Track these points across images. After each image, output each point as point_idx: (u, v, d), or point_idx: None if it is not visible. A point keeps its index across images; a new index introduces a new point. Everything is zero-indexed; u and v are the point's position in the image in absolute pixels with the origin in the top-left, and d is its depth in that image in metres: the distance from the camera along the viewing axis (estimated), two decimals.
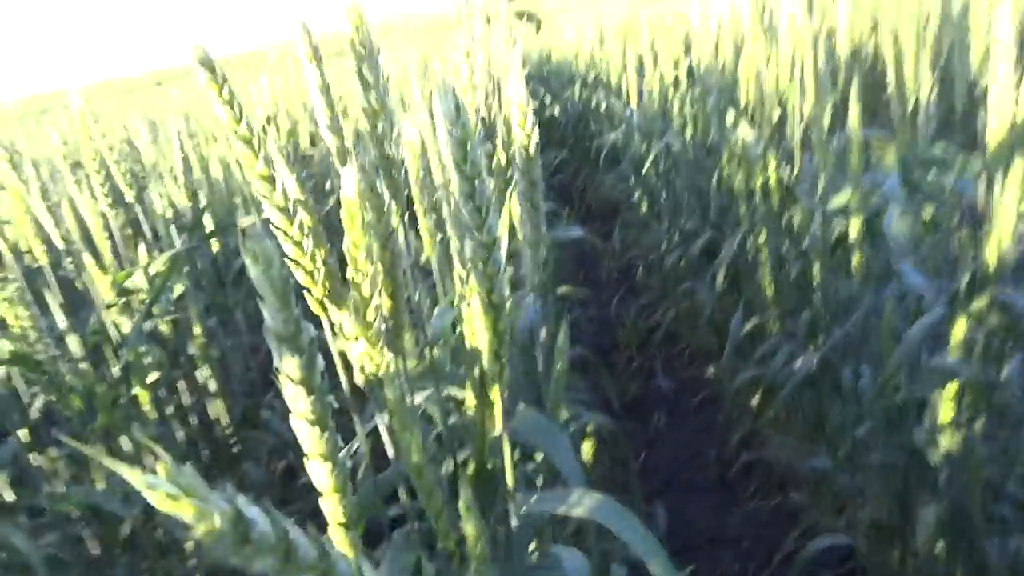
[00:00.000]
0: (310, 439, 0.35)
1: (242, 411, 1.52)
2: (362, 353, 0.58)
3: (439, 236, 0.73)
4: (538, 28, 7.61)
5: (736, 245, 1.68)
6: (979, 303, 0.88)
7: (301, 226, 0.53)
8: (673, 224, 2.35)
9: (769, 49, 1.59)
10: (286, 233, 0.53)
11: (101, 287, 1.27)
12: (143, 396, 1.28)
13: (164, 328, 1.36)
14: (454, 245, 0.73)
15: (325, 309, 0.57)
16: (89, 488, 1.07)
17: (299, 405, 0.35)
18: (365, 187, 0.56)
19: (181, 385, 1.44)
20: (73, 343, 1.27)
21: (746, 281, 1.76)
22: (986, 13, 1.23)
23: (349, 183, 0.50)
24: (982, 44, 1.23)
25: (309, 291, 0.56)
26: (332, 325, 0.58)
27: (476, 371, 0.60)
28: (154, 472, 0.24)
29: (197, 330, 1.37)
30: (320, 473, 0.36)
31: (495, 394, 0.57)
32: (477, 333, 0.53)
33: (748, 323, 1.62)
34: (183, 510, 0.23)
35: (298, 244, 0.54)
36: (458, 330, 0.70)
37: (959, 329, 0.90)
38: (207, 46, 0.49)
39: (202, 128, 1.92)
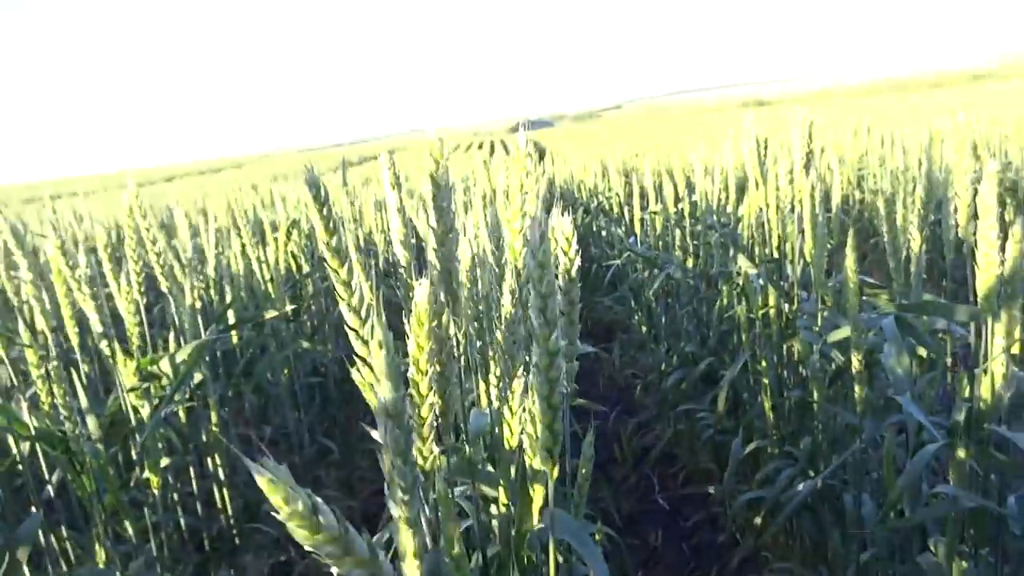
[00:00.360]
0: (398, 504, 0.40)
1: (244, 502, 1.51)
2: (415, 447, 0.62)
3: (479, 342, 0.78)
4: (541, 157, 8.03)
5: (737, 370, 1.75)
6: (977, 437, 0.94)
7: (372, 328, 0.59)
8: (673, 347, 2.42)
9: (770, 195, 1.73)
10: (358, 333, 0.59)
11: (125, 371, 1.31)
12: (154, 480, 1.28)
13: (180, 414, 1.39)
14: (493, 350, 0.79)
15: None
16: (93, 568, 1.06)
17: (395, 475, 0.40)
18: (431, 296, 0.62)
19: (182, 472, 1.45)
20: (91, 423, 1.30)
21: (746, 405, 1.81)
22: (965, 173, 1.36)
23: (422, 294, 0.56)
24: (966, 202, 1.36)
25: (372, 386, 0.61)
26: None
27: (513, 469, 0.64)
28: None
29: (214, 418, 1.40)
30: (404, 538, 0.41)
31: (538, 491, 0.61)
32: (530, 432, 0.58)
33: (748, 446, 1.66)
34: None
35: (366, 343, 0.60)
36: (494, 430, 0.74)
37: (959, 459, 0.95)
38: (311, 166, 0.57)
39: (242, 211, 2.01)
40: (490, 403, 0.77)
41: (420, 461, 0.63)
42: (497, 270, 0.79)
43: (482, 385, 0.85)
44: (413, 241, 0.67)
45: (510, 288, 0.69)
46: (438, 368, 0.61)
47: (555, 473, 0.56)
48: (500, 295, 0.77)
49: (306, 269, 2.32)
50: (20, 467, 1.11)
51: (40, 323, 1.19)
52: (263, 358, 2.02)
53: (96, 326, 1.21)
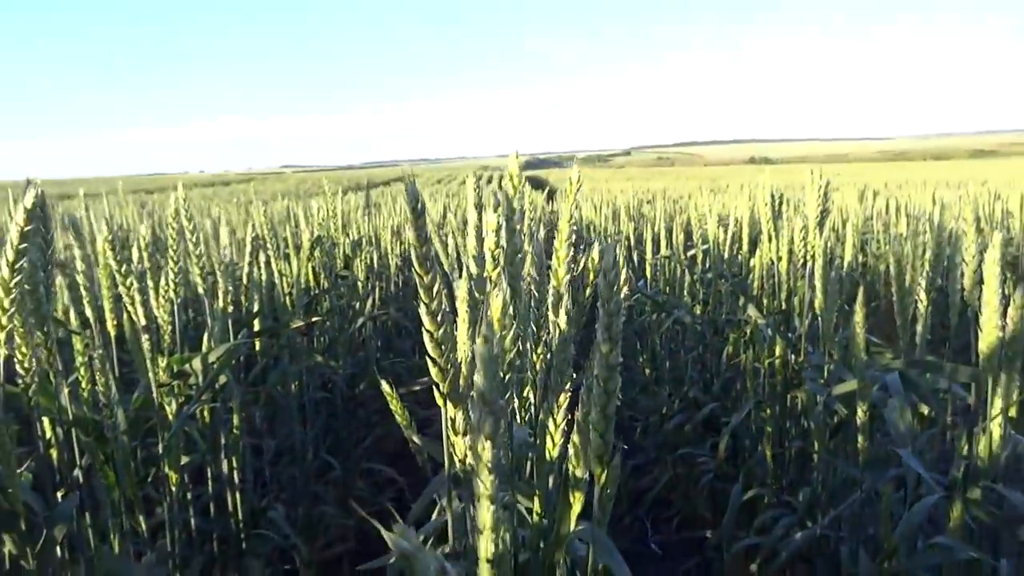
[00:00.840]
0: (483, 483, 0.46)
1: (251, 508, 1.55)
2: (466, 446, 0.68)
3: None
4: (550, 197, 8.15)
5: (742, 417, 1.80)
6: (973, 493, 0.99)
7: (448, 332, 0.65)
8: (675, 391, 2.48)
9: (783, 249, 1.80)
10: (432, 336, 0.65)
11: (160, 367, 1.36)
12: (173, 477, 1.32)
13: (205, 415, 1.43)
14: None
15: (446, 404, 0.68)
16: (109, 553, 1.10)
17: (483, 456, 0.45)
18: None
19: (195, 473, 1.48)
20: (120, 416, 1.34)
21: (747, 453, 1.85)
22: (972, 241, 1.44)
23: (498, 302, 0.63)
24: (971, 268, 1.43)
25: (438, 386, 0.67)
26: (451, 420, 0.68)
27: (551, 479, 0.70)
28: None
29: (235, 421, 1.44)
30: (484, 515, 0.46)
31: (577, 498, 0.66)
32: (575, 442, 0.63)
33: (748, 493, 1.70)
34: None
35: (439, 346, 0.66)
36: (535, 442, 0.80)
37: (956, 513, 1.00)
38: (412, 178, 0.64)
39: (268, 223, 2.08)
40: (529, 416, 0.82)
41: (472, 460, 0.68)
42: (540, 294, 0.86)
43: (515, 400, 0.91)
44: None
45: (565, 308, 0.75)
46: (501, 374, 0.67)
47: (603, 478, 0.61)
48: (545, 315, 0.83)
49: (325, 285, 2.38)
50: (53, 451, 1.16)
51: (88, 313, 1.25)
52: (276, 369, 2.06)
53: (141, 320, 1.26)
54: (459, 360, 0.69)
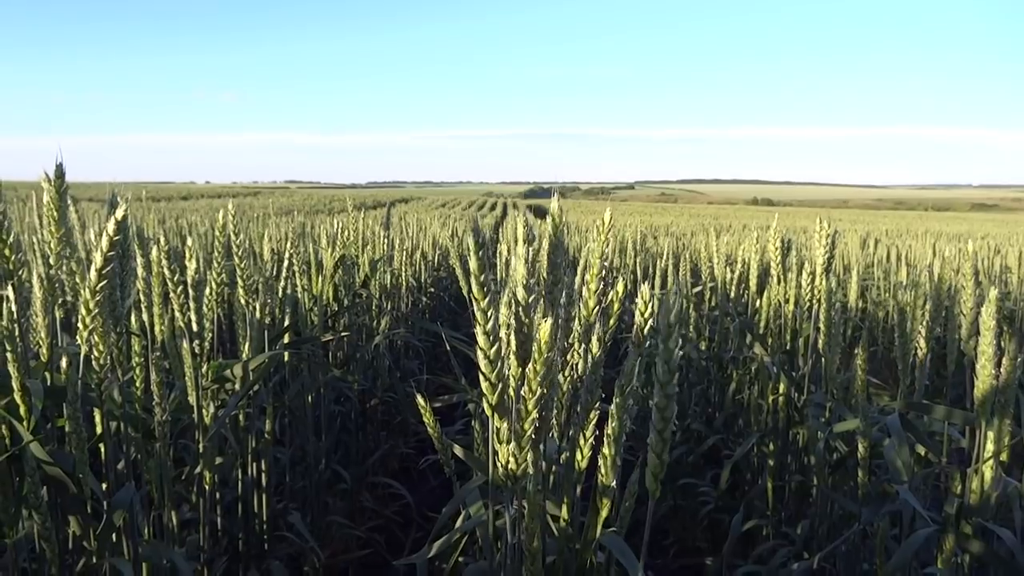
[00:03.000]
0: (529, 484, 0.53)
1: (273, 512, 1.61)
2: (509, 454, 0.76)
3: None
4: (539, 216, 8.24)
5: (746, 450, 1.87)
6: (966, 529, 1.07)
7: (499, 351, 0.74)
8: (678, 423, 2.55)
9: (790, 292, 1.89)
10: (486, 354, 0.74)
11: (204, 372, 1.43)
12: (208, 476, 1.39)
13: (240, 418, 1.50)
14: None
15: (493, 416, 0.76)
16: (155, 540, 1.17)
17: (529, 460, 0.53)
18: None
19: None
20: (158, 412, 1.42)
21: (746, 485, 1.92)
22: (970, 295, 1.53)
23: (546, 329, 0.71)
24: (969, 320, 1.52)
25: (488, 398, 0.75)
26: (497, 430, 0.76)
27: (578, 490, 0.78)
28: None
29: (268, 426, 1.51)
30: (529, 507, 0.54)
31: (604, 504, 0.74)
32: (605, 454, 0.71)
33: (748, 523, 1.76)
34: None
35: (491, 363, 0.74)
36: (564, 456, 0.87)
37: (948, 546, 1.08)
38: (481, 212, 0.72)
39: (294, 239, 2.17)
40: (560, 431, 0.90)
41: (514, 465, 0.76)
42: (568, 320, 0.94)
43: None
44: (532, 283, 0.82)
45: (598, 336, 0.84)
46: (544, 391, 0.75)
47: (657, 493, 0.68)
48: (573, 340, 0.91)
49: (345, 303, 2.46)
50: (102, 445, 1.23)
51: (145, 316, 1.33)
52: (296, 380, 2.14)
53: (193, 326, 1.34)
54: (507, 376, 0.77)
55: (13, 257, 0.94)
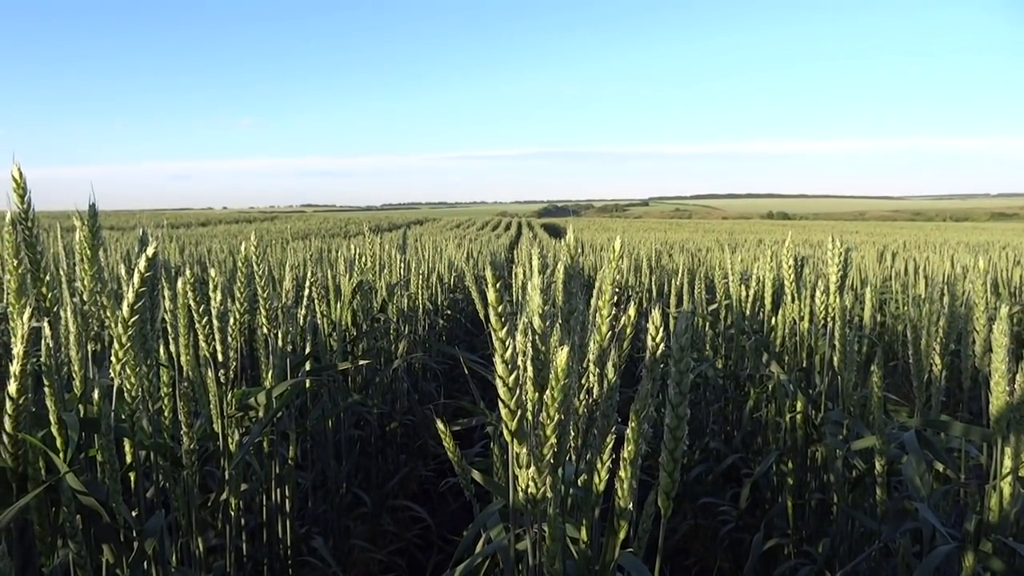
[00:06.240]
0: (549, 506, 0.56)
1: (295, 536, 1.64)
2: (529, 478, 0.78)
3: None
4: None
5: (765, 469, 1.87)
6: (985, 546, 1.07)
7: (517, 379, 0.76)
8: (696, 443, 2.55)
9: (805, 310, 1.90)
10: (505, 381, 0.76)
11: (229, 400, 1.47)
12: (233, 503, 1.42)
13: (265, 445, 1.54)
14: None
15: (512, 441, 0.78)
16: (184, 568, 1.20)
17: (548, 484, 0.55)
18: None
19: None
20: (186, 441, 1.45)
21: (767, 504, 1.92)
22: (984, 312, 1.53)
23: (563, 357, 0.73)
24: (983, 334, 1.52)
25: (507, 424, 0.78)
26: (516, 456, 0.79)
27: (596, 512, 0.80)
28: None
29: (292, 452, 1.54)
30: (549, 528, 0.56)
31: (622, 526, 0.76)
32: (622, 476, 0.73)
33: (769, 542, 1.76)
34: None
35: (510, 391, 0.77)
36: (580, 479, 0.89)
37: (969, 563, 1.08)
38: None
39: (311, 264, 2.21)
40: (575, 455, 0.92)
41: (533, 490, 0.78)
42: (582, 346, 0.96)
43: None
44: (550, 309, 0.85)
45: (613, 362, 0.86)
46: (562, 416, 0.78)
47: (669, 511, 0.70)
48: (587, 365, 0.94)
49: (364, 328, 2.50)
50: (132, 473, 1.26)
51: (172, 347, 1.37)
52: (317, 405, 2.17)
53: (220, 355, 1.38)
54: (525, 402, 0.79)
55: (50, 295, 0.98)
